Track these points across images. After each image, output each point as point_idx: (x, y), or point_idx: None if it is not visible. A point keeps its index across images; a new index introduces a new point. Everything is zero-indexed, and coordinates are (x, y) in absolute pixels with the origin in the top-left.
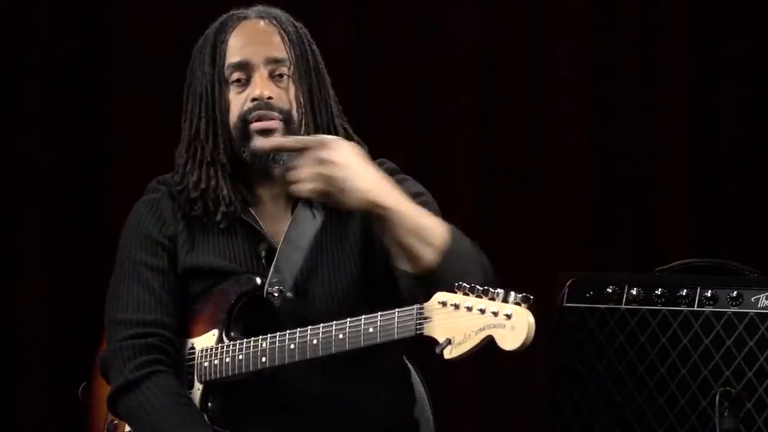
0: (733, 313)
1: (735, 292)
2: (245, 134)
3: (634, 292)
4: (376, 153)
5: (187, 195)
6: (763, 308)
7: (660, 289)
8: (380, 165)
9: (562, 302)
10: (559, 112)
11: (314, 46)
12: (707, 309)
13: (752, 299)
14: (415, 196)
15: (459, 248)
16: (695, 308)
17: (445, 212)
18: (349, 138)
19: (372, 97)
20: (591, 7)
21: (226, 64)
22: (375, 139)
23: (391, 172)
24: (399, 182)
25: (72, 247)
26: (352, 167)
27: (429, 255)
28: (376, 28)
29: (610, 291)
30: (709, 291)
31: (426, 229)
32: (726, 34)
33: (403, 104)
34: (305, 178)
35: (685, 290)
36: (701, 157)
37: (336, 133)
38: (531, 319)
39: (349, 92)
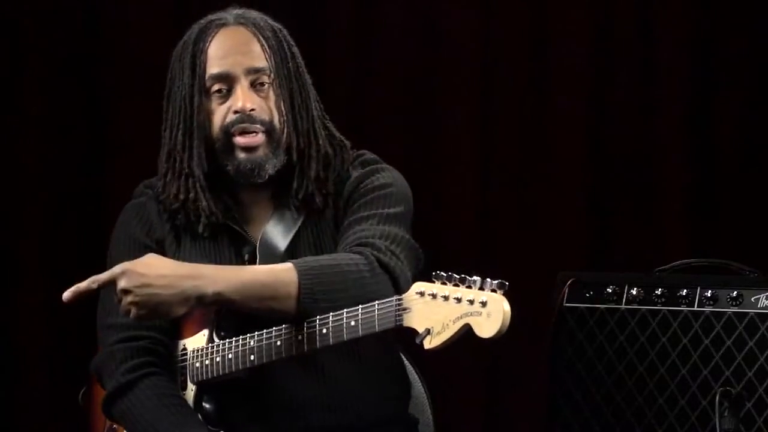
0: (733, 313)
1: (735, 292)
2: (229, 147)
3: (634, 292)
4: (375, 153)
5: (169, 205)
6: (763, 308)
7: (660, 289)
8: (359, 156)
9: (562, 302)
10: (559, 112)
11: (294, 48)
12: (707, 309)
13: (752, 299)
14: (376, 189)
15: (319, 281)
16: (695, 308)
17: (445, 212)
18: (331, 137)
19: (372, 96)
20: (591, 7)
21: (206, 75)
22: (375, 140)
23: (367, 163)
24: (369, 173)
25: (72, 249)
26: (149, 284)
27: (289, 305)
28: (375, 28)
29: (610, 291)
30: (709, 291)
31: (271, 284)
32: (726, 34)
33: (403, 105)
34: (123, 311)
35: (685, 290)
36: (701, 157)
37: (316, 136)
38: (506, 306)
39: (349, 93)
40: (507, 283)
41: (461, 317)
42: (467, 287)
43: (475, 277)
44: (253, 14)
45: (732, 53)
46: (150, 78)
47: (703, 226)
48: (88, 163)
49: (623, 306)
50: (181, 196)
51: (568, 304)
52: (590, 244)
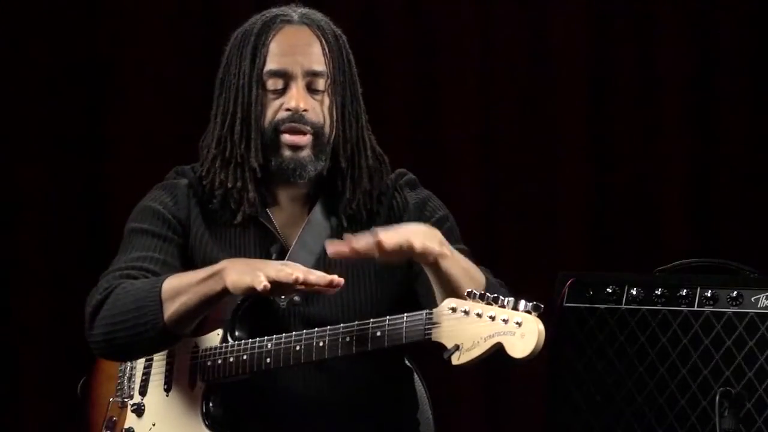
0: (733, 313)
1: (735, 292)
2: (275, 143)
3: (634, 292)
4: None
5: (210, 188)
6: (763, 308)
7: (660, 289)
8: (400, 176)
9: (562, 302)
10: (560, 111)
11: (351, 56)
12: (707, 309)
13: (752, 299)
14: (442, 222)
15: (495, 285)
16: (695, 308)
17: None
18: (372, 150)
19: (372, 96)
20: (590, 7)
21: (264, 69)
22: (376, 140)
23: (412, 185)
24: (425, 201)
25: (72, 245)
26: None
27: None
28: (376, 26)
29: (610, 291)
30: (709, 291)
31: (471, 268)
32: (726, 32)
33: (404, 105)
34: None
35: (685, 290)
36: (701, 156)
37: (365, 146)
38: (541, 327)
39: None
40: (542, 306)
41: (493, 336)
42: (501, 306)
43: (508, 297)
44: (318, 16)
45: (733, 53)
46: (151, 81)
47: (703, 226)
48: (88, 166)
49: (623, 306)
50: (229, 184)
51: (568, 304)
52: (590, 244)
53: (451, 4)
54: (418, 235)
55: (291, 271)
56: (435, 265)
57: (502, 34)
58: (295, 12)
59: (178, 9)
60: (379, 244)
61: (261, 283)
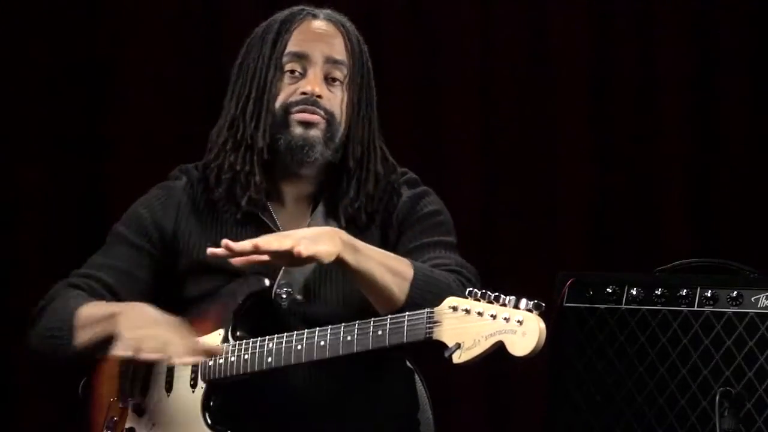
0: (733, 313)
1: (735, 292)
2: (285, 122)
3: (634, 292)
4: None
5: (217, 173)
6: (763, 308)
7: (660, 289)
8: (402, 175)
9: (561, 302)
10: (560, 111)
11: (370, 63)
12: (707, 309)
13: (752, 299)
14: (432, 215)
15: (427, 275)
16: (695, 308)
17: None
18: (384, 159)
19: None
20: (590, 7)
21: (285, 52)
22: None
23: (412, 184)
24: (420, 196)
25: (72, 245)
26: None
27: (402, 287)
28: (377, 25)
29: (610, 291)
30: (709, 291)
31: (393, 261)
32: (726, 32)
33: (404, 105)
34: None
35: (685, 290)
36: (701, 156)
37: (374, 152)
38: (542, 325)
39: None
40: (543, 304)
41: (494, 334)
42: (502, 305)
43: (509, 296)
44: (344, 18)
45: (732, 54)
46: (150, 80)
47: (703, 226)
48: (88, 166)
49: (623, 306)
50: (237, 167)
51: (568, 304)
52: (590, 244)
53: (451, 4)
54: (302, 240)
55: (174, 350)
56: (341, 263)
57: (502, 34)
58: (322, 12)
59: (178, 9)
60: (258, 249)
61: (175, 357)
